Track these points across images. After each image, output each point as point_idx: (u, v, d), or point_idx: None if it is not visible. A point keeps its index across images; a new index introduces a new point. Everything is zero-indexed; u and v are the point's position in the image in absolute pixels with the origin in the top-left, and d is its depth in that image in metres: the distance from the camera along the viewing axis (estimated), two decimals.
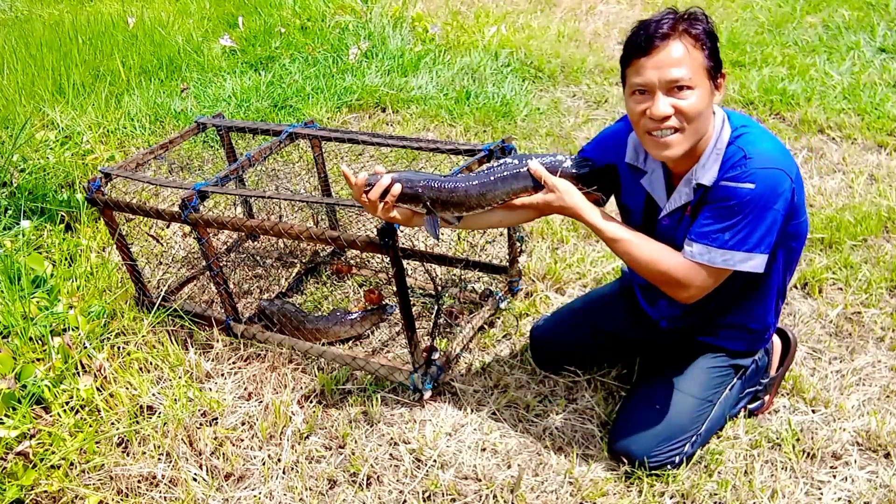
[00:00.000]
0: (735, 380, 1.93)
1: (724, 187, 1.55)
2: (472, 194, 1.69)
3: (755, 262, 1.57)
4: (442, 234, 2.98)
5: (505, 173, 1.67)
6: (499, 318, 2.49)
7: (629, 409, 1.95)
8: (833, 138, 3.67)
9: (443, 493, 1.87)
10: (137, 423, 2.08)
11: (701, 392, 1.88)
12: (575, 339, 2.16)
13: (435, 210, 1.70)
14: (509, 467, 1.94)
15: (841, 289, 2.55)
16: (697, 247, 1.59)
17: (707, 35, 1.51)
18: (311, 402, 2.19)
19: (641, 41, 1.50)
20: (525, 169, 1.67)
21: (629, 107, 1.58)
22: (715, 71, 1.54)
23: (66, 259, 2.81)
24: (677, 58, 1.48)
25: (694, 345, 1.93)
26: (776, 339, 2.09)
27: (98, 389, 2.13)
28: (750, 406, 2.04)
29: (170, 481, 1.94)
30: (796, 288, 2.58)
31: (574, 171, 1.70)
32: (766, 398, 2.05)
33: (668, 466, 1.85)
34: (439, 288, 2.50)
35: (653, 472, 1.85)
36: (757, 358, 1.96)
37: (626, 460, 1.86)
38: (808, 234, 2.79)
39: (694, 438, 1.87)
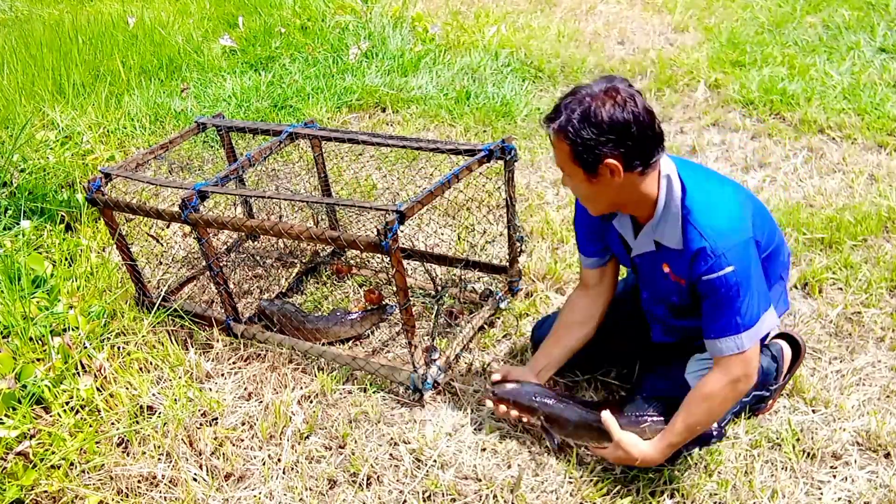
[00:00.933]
0: None
1: (708, 282, 1.64)
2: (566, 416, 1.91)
3: (770, 321, 1.69)
4: (442, 237, 2.98)
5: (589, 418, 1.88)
6: (499, 318, 2.49)
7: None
8: (833, 138, 3.67)
9: (443, 493, 1.87)
10: (137, 423, 2.08)
11: (697, 370, 1.89)
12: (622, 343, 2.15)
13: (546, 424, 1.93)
14: (509, 467, 1.94)
15: (841, 289, 2.55)
16: (726, 342, 1.67)
17: (569, 130, 1.57)
18: (311, 402, 2.19)
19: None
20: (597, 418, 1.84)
21: None
22: (583, 161, 1.59)
23: (66, 259, 2.81)
24: (555, 150, 1.65)
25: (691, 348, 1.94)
26: (786, 348, 2.07)
27: (98, 389, 2.13)
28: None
29: (170, 481, 1.94)
30: (796, 288, 2.58)
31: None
32: (769, 401, 2.04)
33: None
34: (439, 288, 2.50)
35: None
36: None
37: None
38: (809, 234, 2.80)
39: None
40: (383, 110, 4.26)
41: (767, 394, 2.02)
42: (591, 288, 2.04)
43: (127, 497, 1.91)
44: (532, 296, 2.59)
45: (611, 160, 1.57)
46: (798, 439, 1.96)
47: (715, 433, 1.84)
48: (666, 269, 1.78)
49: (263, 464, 1.99)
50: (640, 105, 1.55)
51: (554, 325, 2.08)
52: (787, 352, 2.07)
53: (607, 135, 1.54)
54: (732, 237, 1.62)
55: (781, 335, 2.11)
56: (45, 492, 1.89)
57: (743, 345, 1.66)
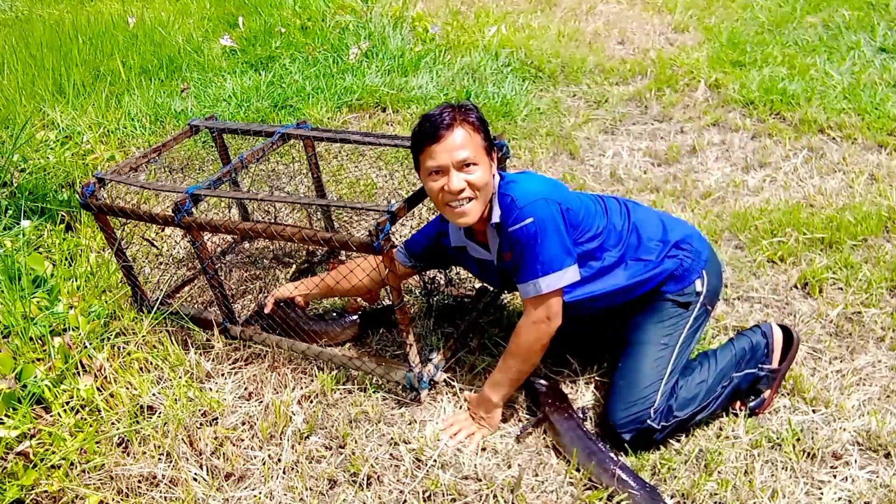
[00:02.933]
0: (690, 319, 2.01)
1: (512, 233, 1.85)
2: None
3: (571, 274, 1.87)
4: None
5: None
6: (498, 316, 2.49)
7: (610, 385, 2.05)
8: (833, 138, 3.67)
9: (443, 493, 1.87)
10: (138, 423, 2.08)
11: (652, 337, 1.99)
12: (568, 324, 2.17)
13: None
14: (509, 467, 1.94)
15: (841, 289, 2.55)
16: (527, 286, 1.88)
17: (479, 121, 1.85)
18: (311, 402, 2.19)
19: (430, 131, 1.81)
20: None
21: (428, 186, 1.89)
22: (490, 149, 1.88)
23: (66, 259, 2.81)
24: (461, 142, 1.81)
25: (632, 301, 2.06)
26: (777, 330, 2.11)
27: (98, 389, 2.13)
28: (750, 404, 2.04)
29: (170, 481, 1.94)
30: (796, 288, 2.58)
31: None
32: (767, 394, 2.05)
33: (646, 426, 1.88)
34: (429, 286, 2.50)
35: (630, 434, 1.89)
36: (699, 289, 2.03)
37: (613, 438, 1.92)
38: (809, 234, 2.80)
39: (661, 389, 1.90)
40: (383, 110, 4.26)
41: (762, 373, 2.04)
42: (388, 270, 2.14)
43: (127, 497, 1.91)
44: None
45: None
46: (798, 439, 1.96)
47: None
48: (507, 258, 1.96)
49: (263, 464, 1.99)
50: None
51: (343, 271, 2.29)
52: (777, 332, 2.11)
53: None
54: (534, 195, 1.84)
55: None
56: (46, 492, 1.89)
57: (540, 288, 1.85)
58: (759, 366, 2.05)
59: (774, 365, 2.07)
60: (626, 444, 1.92)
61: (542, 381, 2.12)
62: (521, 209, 1.83)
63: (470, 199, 1.86)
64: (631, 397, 1.91)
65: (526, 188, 1.86)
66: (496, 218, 1.91)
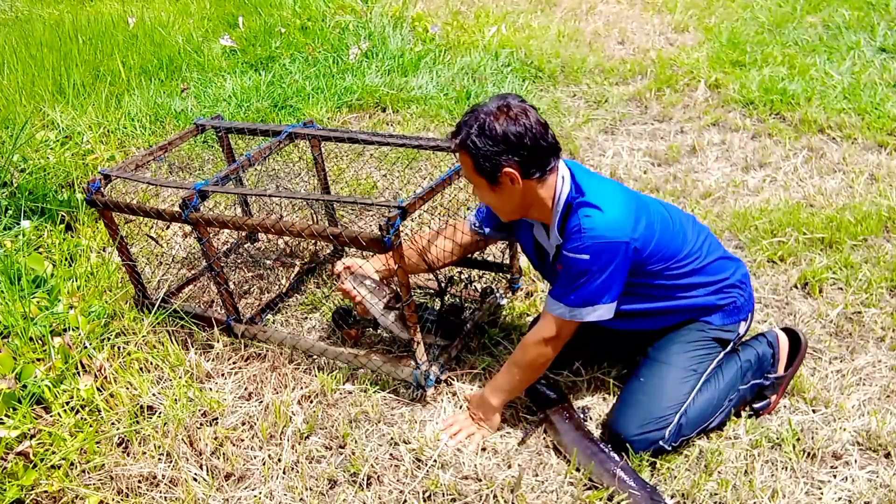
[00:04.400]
0: (721, 353, 1.98)
1: (566, 257, 1.78)
2: None
3: (603, 311, 1.81)
4: None
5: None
6: (499, 317, 2.49)
7: (621, 393, 2.02)
8: (833, 138, 3.67)
9: (443, 493, 1.87)
10: (138, 423, 2.08)
11: (682, 361, 1.94)
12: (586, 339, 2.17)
13: None
14: (509, 467, 1.94)
15: (841, 289, 2.55)
16: (554, 304, 1.85)
17: (469, 145, 1.73)
18: (311, 402, 2.19)
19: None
20: None
21: None
22: (484, 171, 1.75)
23: (66, 259, 2.81)
24: (461, 162, 1.81)
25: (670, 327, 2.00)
26: (783, 338, 2.09)
27: (98, 389, 2.13)
28: (755, 405, 2.04)
29: (170, 481, 1.94)
30: (796, 288, 2.58)
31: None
32: (773, 398, 2.04)
33: (657, 445, 1.86)
34: (443, 284, 2.50)
35: (639, 450, 1.87)
36: (741, 332, 2.01)
37: (619, 446, 1.89)
38: (809, 234, 2.80)
39: (680, 412, 1.88)
40: (383, 110, 4.26)
41: (767, 382, 2.03)
42: (465, 237, 2.23)
43: (127, 497, 1.91)
44: (532, 295, 2.59)
45: (509, 169, 1.73)
46: (798, 439, 1.96)
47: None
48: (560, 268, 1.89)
49: (263, 464, 1.99)
50: (532, 118, 1.72)
51: (420, 240, 2.26)
52: (783, 340, 2.09)
53: (502, 146, 1.71)
54: (603, 235, 1.73)
55: (782, 329, 2.13)
56: (46, 492, 1.89)
57: (564, 314, 1.83)
58: (765, 375, 2.04)
59: (780, 372, 2.06)
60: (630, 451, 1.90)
61: (543, 381, 2.12)
62: (583, 243, 1.73)
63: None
64: (649, 416, 1.87)
65: (599, 222, 1.73)
66: (556, 233, 1.85)
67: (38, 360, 2.17)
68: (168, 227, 3.21)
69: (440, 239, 2.25)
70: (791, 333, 2.11)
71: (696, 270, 1.93)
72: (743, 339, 2.07)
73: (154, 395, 2.18)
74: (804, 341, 2.08)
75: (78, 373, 2.18)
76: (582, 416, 2.06)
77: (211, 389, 2.25)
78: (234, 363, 2.36)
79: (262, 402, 2.19)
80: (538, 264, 2.11)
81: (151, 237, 2.82)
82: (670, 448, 1.89)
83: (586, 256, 1.73)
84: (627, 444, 1.88)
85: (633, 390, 1.96)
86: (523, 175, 1.75)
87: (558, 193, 1.82)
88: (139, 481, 1.94)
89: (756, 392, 2.04)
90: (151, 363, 2.29)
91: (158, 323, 2.41)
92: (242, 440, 2.07)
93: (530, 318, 2.47)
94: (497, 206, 1.88)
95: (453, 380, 2.24)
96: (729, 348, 2.01)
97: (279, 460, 2.00)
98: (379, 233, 1.88)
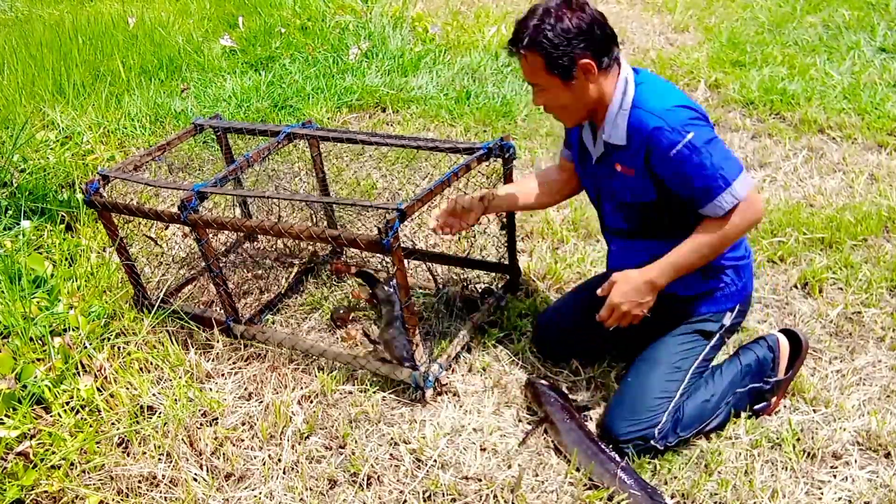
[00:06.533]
0: (707, 347, 1.98)
1: (677, 155, 1.71)
2: None
3: (749, 179, 1.75)
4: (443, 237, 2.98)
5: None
6: (499, 317, 2.49)
7: (615, 392, 2.03)
8: (833, 138, 3.67)
9: (443, 493, 1.87)
10: (138, 423, 2.08)
11: (667, 357, 1.95)
12: (574, 322, 2.18)
13: None
14: (509, 467, 1.94)
15: (841, 288, 2.55)
16: (721, 201, 1.72)
17: (542, 41, 1.70)
18: (311, 402, 2.19)
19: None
20: None
21: None
22: (559, 67, 1.72)
23: (66, 259, 2.81)
24: (527, 69, 1.78)
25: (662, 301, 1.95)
26: (784, 341, 2.08)
27: (98, 389, 2.13)
28: (755, 407, 2.04)
29: (170, 481, 1.94)
30: (796, 288, 2.58)
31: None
32: (773, 400, 2.04)
33: (649, 444, 1.86)
34: (440, 286, 2.50)
35: (627, 446, 1.87)
36: (725, 323, 1.99)
37: (611, 443, 1.90)
38: (809, 234, 2.80)
39: (668, 410, 1.88)
40: (383, 110, 4.26)
41: (767, 386, 2.02)
42: (564, 172, 2.22)
43: (127, 497, 1.91)
44: (532, 296, 2.59)
45: (584, 60, 1.73)
46: (798, 439, 1.96)
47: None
48: (618, 168, 1.87)
49: (263, 464, 1.99)
50: (591, 8, 1.73)
51: (522, 180, 2.27)
52: (783, 343, 2.08)
53: (577, 38, 1.70)
54: (684, 113, 1.72)
55: (782, 331, 2.12)
56: (46, 492, 1.89)
57: (739, 193, 1.72)
58: (765, 379, 2.03)
59: (781, 375, 2.05)
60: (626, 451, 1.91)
61: (543, 381, 2.12)
62: (674, 129, 1.69)
63: (557, 114, 1.86)
64: (636, 414, 1.88)
65: (670, 107, 1.72)
66: (616, 139, 1.81)
67: (38, 360, 2.17)
68: (167, 228, 3.21)
69: (546, 174, 2.26)
70: (791, 335, 2.11)
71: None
72: (742, 340, 2.07)
73: (154, 395, 2.18)
74: (805, 342, 2.08)
75: (78, 373, 2.18)
76: (582, 416, 2.06)
77: (211, 389, 2.25)
78: (233, 363, 2.36)
79: (262, 402, 2.19)
80: (578, 166, 2.10)
81: (150, 237, 2.82)
82: (663, 447, 1.89)
83: (691, 134, 1.69)
84: (619, 444, 1.89)
85: (622, 390, 1.99)
86: (598, 66, 1.75)
87: (619, 92, 1.80)
88: (139, 481, 1.94)
89: (755, 397, 2.04)
90: (151, 363, 2.29)
91: (158, 323, 2.41)
92: (242, 440, 2.07)
93: (530, 318, 2.47)
94: (570, 105, 1.82)
95: (453, 381, 2.24)
96: (714, 341, 2.00)
97: (279, 460, 2.00)
98: (378, 235, 1.88)
